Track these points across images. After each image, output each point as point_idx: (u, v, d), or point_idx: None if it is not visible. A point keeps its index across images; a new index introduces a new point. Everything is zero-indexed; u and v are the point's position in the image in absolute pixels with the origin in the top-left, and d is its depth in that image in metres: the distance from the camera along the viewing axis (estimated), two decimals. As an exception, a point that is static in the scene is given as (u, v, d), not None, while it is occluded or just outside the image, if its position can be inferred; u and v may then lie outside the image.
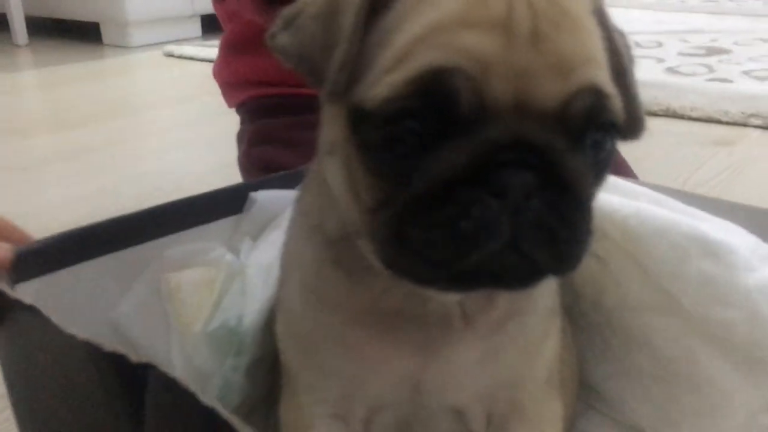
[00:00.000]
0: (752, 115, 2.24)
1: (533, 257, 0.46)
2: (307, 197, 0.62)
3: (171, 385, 0.50)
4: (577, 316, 0.84)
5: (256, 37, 1.01)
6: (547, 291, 0.63)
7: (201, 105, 2.61)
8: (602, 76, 0.48)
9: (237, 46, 1.30)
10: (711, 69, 2.88)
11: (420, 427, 0.63)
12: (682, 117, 2.33)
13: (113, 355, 0.53)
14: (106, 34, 3.79)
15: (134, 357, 0.52)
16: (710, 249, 0.72)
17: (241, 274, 0.77)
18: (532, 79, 0.45)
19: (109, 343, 0.53)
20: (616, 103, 0.49)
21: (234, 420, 0.47)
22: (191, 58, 3.33)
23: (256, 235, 0.83)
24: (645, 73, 2.86)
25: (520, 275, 0.48)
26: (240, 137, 1.34)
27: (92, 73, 3.27)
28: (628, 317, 0.78)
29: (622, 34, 0.58)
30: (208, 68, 1.50)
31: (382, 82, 0.46)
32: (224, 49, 1.35)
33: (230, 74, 1.33)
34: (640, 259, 0.75)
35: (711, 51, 3.22)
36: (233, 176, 1.42)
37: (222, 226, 0.83)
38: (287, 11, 0.52)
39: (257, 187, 0.85)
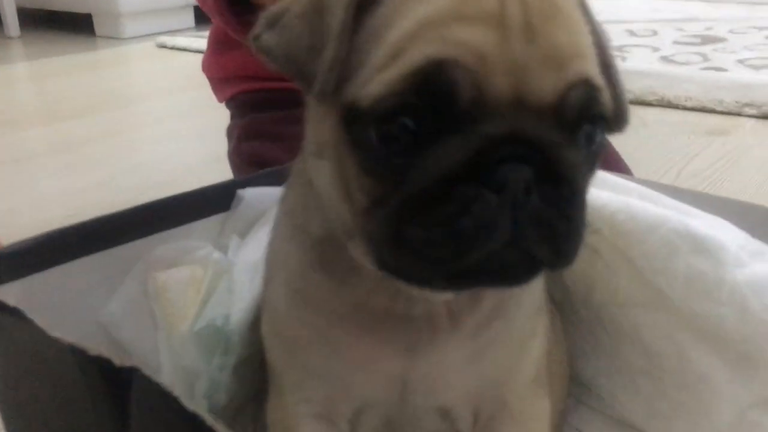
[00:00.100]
0: (746, 105, 2.24)
1: (532, 252, 0.46)
2: (291, 197, 0.61)
3: (155, 388, 0.50)
4: (568, 312, 0.83)
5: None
6: (533, 289, 0.63)
7: (194, 96, 2.59)
8: (593, 70, 0.48)
9: (225, 42, 1.29)
10: (706, 58, 2.88)
11: (406, 426, 0.62)
12: (676, 107, 2.33)
13: (98, 359, 0.52)
14: (99, 25, 3.77)
15: (118, 360, 0.51)
16: (699, 245, 0.71)
17: (229, 273, 0.77)
18: (529, 72, 0.45)
19: (94, 347, 0.52)
20: (606, 96, 0.49)
21: (218, 426, 0.46)
22: (184, 49, 3.31)
23: (244, 233, 0.83)
24: (640, 62, 2.85)
25: (518, 271, 0.47)
26: (230, 132, 1.33)
27: (85, 64, 3.25)
28: (618, 313, 0.78)
29: (603, 28, 0.58)
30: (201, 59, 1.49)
31: (376, 80, 0.45)
32: (212, 44, 1.34)
33: (219, 69, 1.32)
34: (630, 254, 0.75)
35: (706, 39, 3.21)
36: (227, 168, 1.41)
37: (209, 223, 0.82)
38: (270, 11, 0.51)
39: (244, 184, 0.84)
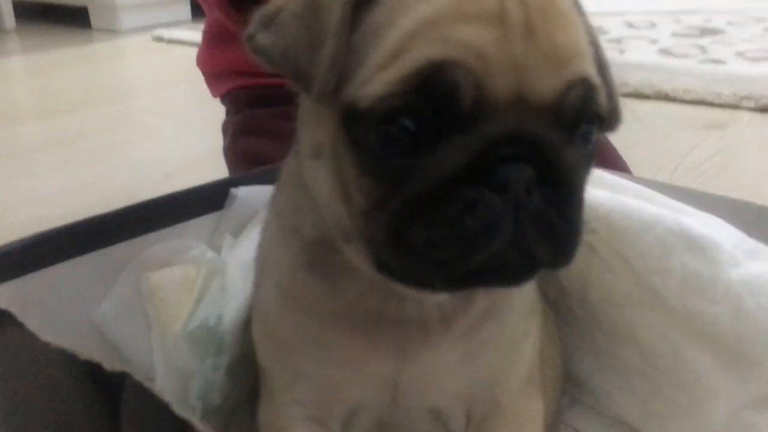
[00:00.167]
0: (744, 98, 2.23)
1: (533, 252, 0.46)
2: (282, 198, 0.61)
3: (146, 393, 0.50)
4: (563, 311, 0.83)
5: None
6: (525, 290, 0.62)
7: (191, 90, 2.58)
8: (591, 69, 0.48)
9: (219, 36, 1.28)
10: (704, 50, 2.86)
11: (399, 428, 0.62)
12: (674, 100, 2.32)
13: (89, 362, 0.52)
14: (95, 18, 3.75)
15: (109, 365, 0.51)
16: (694, 244, 0.71)
17: (222, 272, 0.77)
18: (529, 72, 0.45)
19: (84, 351, 0.52)
20: (603, 95, 0.49)
21: (208, 430, 0.46)
22: (181, 42, 3.30)
23: (238, 232, 0.82)
24: (638, 54, 2.83)
25: (518, 271, 0.47)
26: (225, 128, 1.32)
27: (81, 58, 3.24)
28: (613, 312, 0.78)
29: (594, 27, 0.58)
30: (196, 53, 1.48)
31: (376, 80, 0.45)
32: (207, 39, 1.33)
33: (214, 64, 1.32)
34: (625, 253, 0.75)
35: (704, 31, 3.20)
36: (224, 163, 1.41)
37: (203, 222, 0.82)
38: (265, 10, 0.50)
39: (238, 183, 0.84)
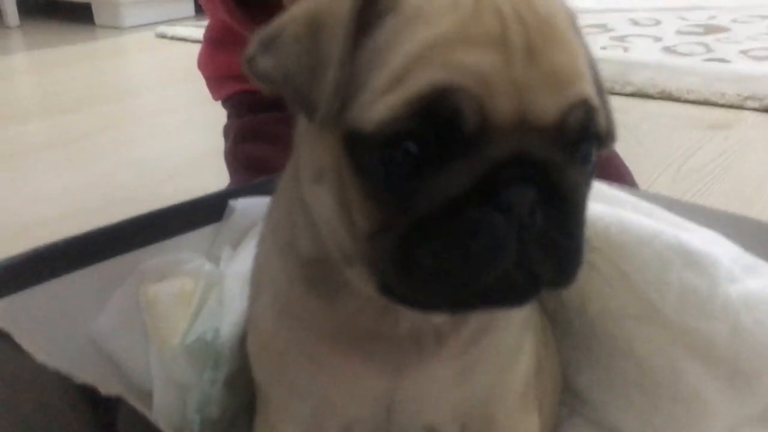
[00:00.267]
0: (748, 98, 2.22)
1: (536, 272, 0.46)
2: (276, 215, 0.61)
3: (141, 418, 0.50)
4: (562, 322, 0.83)
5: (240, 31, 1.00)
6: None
7: (194, 88, 2.58)
8: (591, 90, 0.49)
9: (220, 40, 1.28)
10: (708, 48, 2.85)
11: None
12: (678, 99, 2.31)
13: (85, 385, 0.52)
14: (98, 14, 3.75)
15: (104, 389, 0.51)
16: (692, 259, 0.71)
17: (220, 284, 0.77)
18: (531, 94, 0.45)
19: (80, 375, 0.52)
20: (602, 115, 0.49)
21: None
22: (184, 39, 3.30)
23: (236, 243, 0.82)
24: (641, 52, 2.83)
25: (521, 291, 0.47)
26: (226, 132, 1.32)
27: (84, 55, 3.24)
28: (611, 325, 0.77)
29: (590, 47, 0.58)
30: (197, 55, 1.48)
31: (379, 104, 0.45)
32: (207, 42, 1.33)
33: (215, 68, 1.31)
34: (623, 267, 0.74)
35: (709, 29, 3.19)
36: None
37: (201, 234, 0.82)
38: (264, 32, 0.50)
39: (237, 195, 0.84)
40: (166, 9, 3.76)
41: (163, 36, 3.41)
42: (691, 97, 2.30)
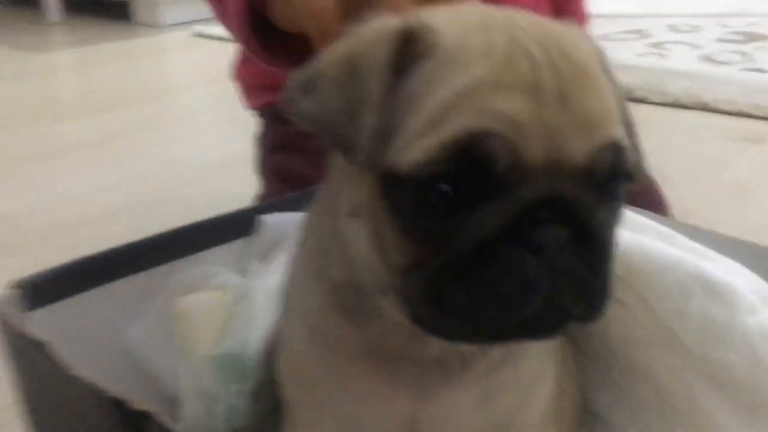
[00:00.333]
0: (785, 110, 2.19)
1: (566, 308, 0.48)
2: (310, 242, 0.63)
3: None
4: (584, 344, 0.84)
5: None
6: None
7: (229, 88, 2.62)
8: (620, 131, 0.50)
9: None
10: (747, 57, 2.81)
11: None
12: (713, 110, 2.29)
13: (116, 398, 0.55)
14: (137, 11, 3.80)
15: (135, 404, 0.54)
16: (712, 289, 0.71)
17: (248, 298, 0.79)
18: (562, 137, 0.47)
19: (112, 388, 0.55)
20: (631, 155, 0.51)
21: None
22: (221, 39, 3.33)
23: (265, 258, 0.85)
24: (678, 61, 2.79)
25: (550, 326, 0.50)
26: (258, 141, 1.35)
27: (122, 53, 3.29)
28: (632, 351, 0.78)
29: (621, 86, 0.59)
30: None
31: (416, 147, 0.47)
32: (242, 52, 1.34)
33: (249, 78, 1.34)
34: (644, 295, 0.75)
35: (749, 37, 3.14)
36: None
37: (231, 249, 0.85)
38: (303, 74, 0.52)
39: (266, 210, 0.87)
40: (204, 7, 3.79)
41: (200, 35, 3.45)
42: (727, 108, 2.27)
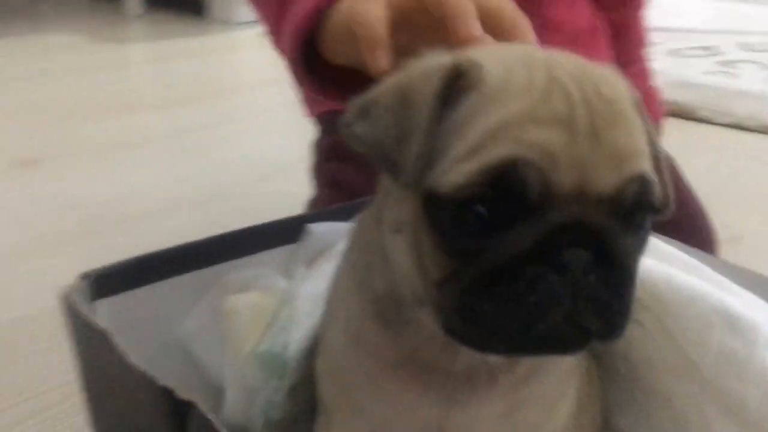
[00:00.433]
0: None
1: (586, 326, 0.52)
2: (356, 253, 0.69)
3: (209, 424, 0.58)
4: (607, 364, 0.87)
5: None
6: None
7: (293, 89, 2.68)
8: (648, 166, 0.55)
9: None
10: (818, 80, 2.74)
11: None
12: (775, 134, 2.24)
13: (165, 388, 0.61)
14: (214, 7, 3.90)
15: (181, 393, 0.60)
16: (733, 323, 0.74)
17: (292, 301, 0.85)
18: (592, 170, 0.51)
19: (161, 378, 0.61)
20: (658, 188, 0.55)
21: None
22: (290, 38, 3.41)
23: (310, 265, 0.91)
24: (748, 81, 2.72)
25: (571, 342, 0.54)
26: (314, 148, 1.40)
27: (196, 49, 3.38)
28: (652, 376, 0.81)
29: (652, 123, 0.62)
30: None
31: (456, 171, 0.51)
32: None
33: (307, 86, 1.39)
34: (667, 324, 0.78)
35: (823, 59, 3.05)
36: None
37: (279, 253, 0.91)
38: (360, 100, 0.58)
39: (314, 219, 0.93)
40: (275, 6, 3.87)
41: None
42: (787, 131, 2.22)
